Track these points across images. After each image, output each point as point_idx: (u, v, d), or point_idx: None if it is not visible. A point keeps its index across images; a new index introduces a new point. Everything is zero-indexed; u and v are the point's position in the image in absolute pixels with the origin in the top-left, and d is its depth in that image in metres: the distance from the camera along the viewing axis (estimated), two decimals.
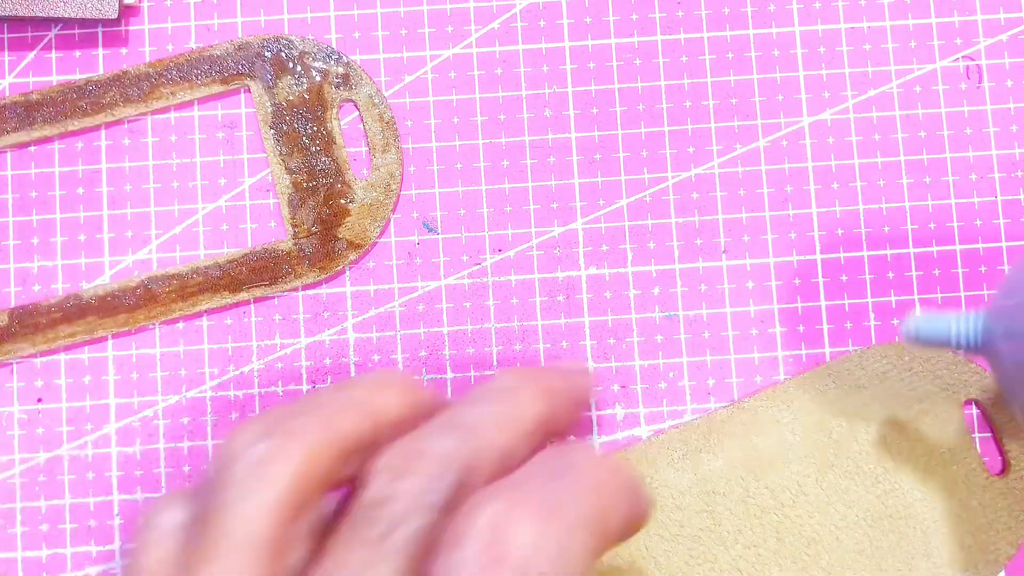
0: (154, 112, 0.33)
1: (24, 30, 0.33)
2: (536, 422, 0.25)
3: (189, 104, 0.33)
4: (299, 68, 0.33)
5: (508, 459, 0.24)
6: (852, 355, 0.31)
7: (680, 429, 0.31)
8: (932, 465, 0.31)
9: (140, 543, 0.23)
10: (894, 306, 0.32)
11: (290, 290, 0.32)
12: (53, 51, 0.33)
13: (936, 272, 0.32)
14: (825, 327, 0.32)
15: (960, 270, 0.32)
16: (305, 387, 0.32)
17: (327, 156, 0.32)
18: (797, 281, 0.32)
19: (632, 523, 0.24)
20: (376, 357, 0.32)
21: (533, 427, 0.25)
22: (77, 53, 0.33)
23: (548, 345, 0.32)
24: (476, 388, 0.25)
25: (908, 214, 0.32)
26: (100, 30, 0.33)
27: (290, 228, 0.32)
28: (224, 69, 0.33)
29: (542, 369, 0.27)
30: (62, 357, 0.32)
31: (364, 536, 0.22)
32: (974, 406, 0.31)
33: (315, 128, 0.32)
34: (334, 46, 0.33)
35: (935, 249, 0.32)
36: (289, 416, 0.23)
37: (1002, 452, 0.31)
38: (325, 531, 0.23)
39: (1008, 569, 0.31)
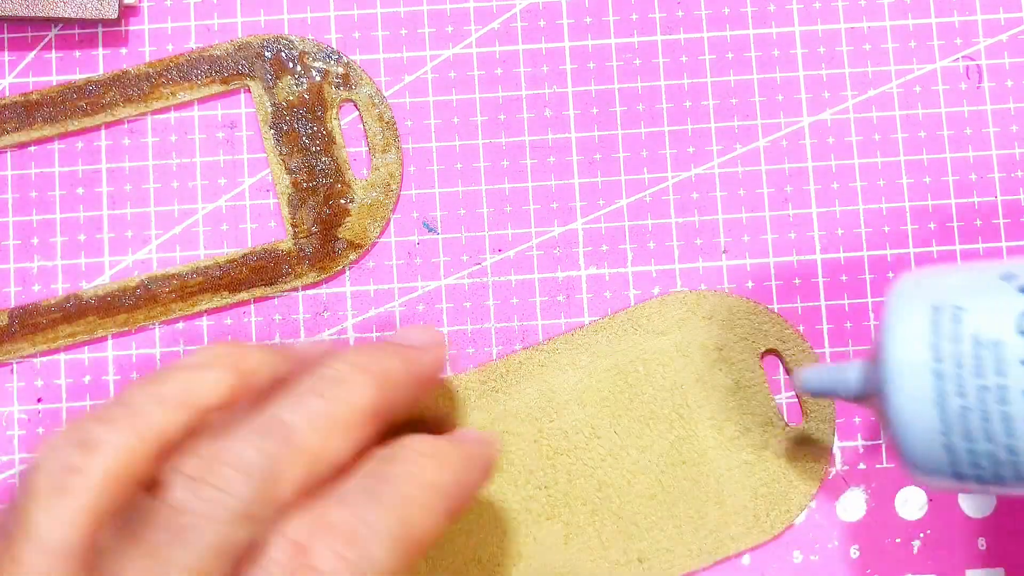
0: (154, 112, 0.33)
1: (24, 30, 0.33)
2: (364, 414, 0.24)
3: (189, 104, 0.33)
4: (299, 68, 0.33)
5: (322, 462, 0.23)
6: (652, 302, 0.32)
7: (479, 369, 0.31)
8: (727, 413, 0.31)
9: None
10: None
11: (290, 290, 0.32)
12: (53, 51, 0.33)
13: None
14: (825, 327, 0.32)
15: None
16: None
17: (327, 156, 0.32)
18: (797, 281, 0.32)
19: (464, 501, 0.24)
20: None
21: (360, 420, 0.24)
22: (77, 53, 0.33)
23: None
24: (307, 375, 0.24)
25: (908, 214, 0.32)
26: (100, 30, 0.33)
27: (290, 228, 0.32)
28: (224, 69, 0.33)
29: (381, 349, 0.25)
30: (62, 357, 0.32)
31: (153, 544, 0.21)
32: (778, 359, 0.32)
33: (315, 128, 0.32)
34: (334, 46, 0.33)
35: (935, 249, 0.32)
36: (95, 421, 0.23)
37: (800, 401, 0.31)
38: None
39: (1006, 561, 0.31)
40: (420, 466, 0.23)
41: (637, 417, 0.31)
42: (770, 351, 0.31)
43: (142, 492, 0.23)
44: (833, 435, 0.31)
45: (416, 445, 0.24)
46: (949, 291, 0.24)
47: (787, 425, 0.31)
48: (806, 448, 0.31)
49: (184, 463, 0.22)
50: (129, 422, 0.22)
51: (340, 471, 0.23)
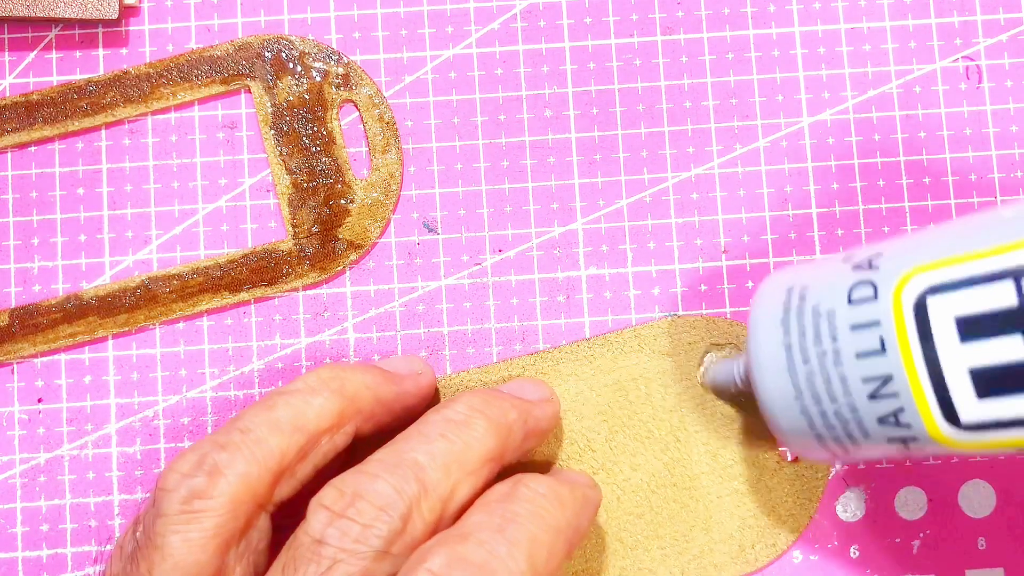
0: (154, 112, 0.33)
1: (24, 30, 0.33)
2: (484, 460, 0.25)
3: (189, 104, 0.33)
4: (299, 68, 0.33)
5: (452, 503, 0.24)
6: (661, 322, 0.32)
7: (479, 369, 0.31)
8: (724, 441, 0.31)
9: (106, 562, 0.25)
10: None
11: (290, 290, 0.32)
12: (53, 51, 0.33)
13: None
14: None
15: None
16: None
17: (327, 156, 0.32)
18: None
19: (579, 542, 0.25)
20: (376, 357, 0.32)
21: (481, 465, 0.25)
22: (77, 53, 0.33)
23: (548, 345, 0.32)
24: (430, 414, 0.26)
25: (908, 214, 0.32)
26: (100, 30, 0.33)
27: (290, 228, 0.32)
28: (224, 69, 0.33)
29: (501, 399, 0.27)
30: (62, 357, 0.32)
31: (299, 574, 0.23)
32: None
33: (315, 128, 0.33)
34: (334, 46, 0.33)
35: None
36: (218, 447, 0.24)
37: None
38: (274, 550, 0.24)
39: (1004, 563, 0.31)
40: (542, 507, 0.24)
41: (633, 435, 0.31)
42: None
43: (267, 518, 0.25)
44: (825, 482, 0.31)
45: (535, 485, 0.25)
46: (800, 275, 0.26)
47: (782, 461, 0.31)
48: (798, 487, 0.31)
49: (326, 496, 0.24)
50: (249, 449, 0.24)
51: (463, 510, 0.25)
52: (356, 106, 0.33)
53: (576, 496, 0.25)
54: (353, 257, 0.32)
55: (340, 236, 0.32)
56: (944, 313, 0.23)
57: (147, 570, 0.24)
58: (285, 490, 0.25)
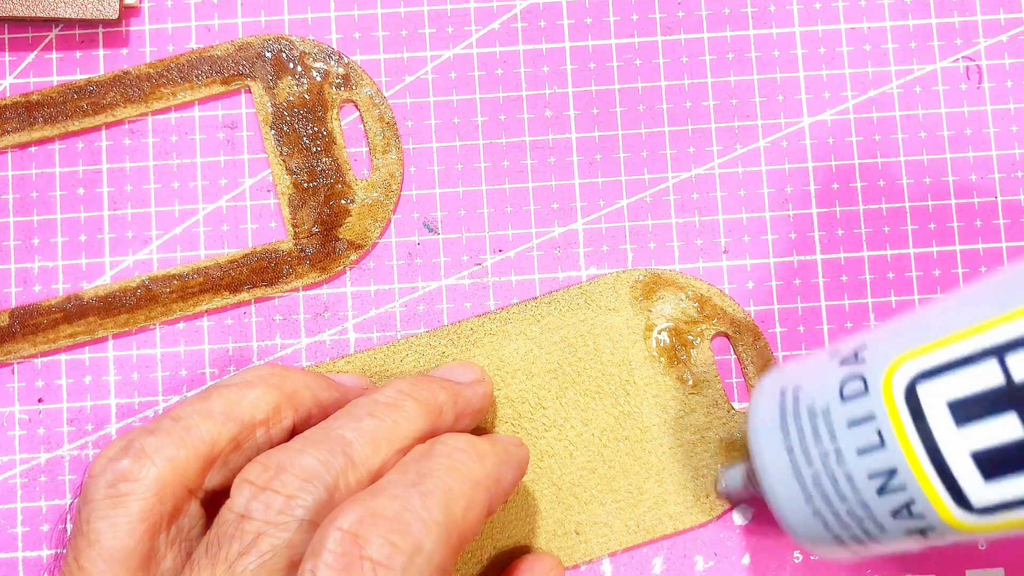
0: (155, 112, 0.33)
1: (25, 30, 0.33)
2: (414, 438, 0.25)
3: (190, 104, 0.33)
4: (300, 68, 0.33)
5: (377, 475, 0.24)
6: (606, 278, 0.32)
7: (429, 332, 0.32)
8: (673, 393, 0.31)
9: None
10: (894, 306, 0.32)
11: (291, 290, 0.32)
12: (54, 51, 0.33)
13: (936, 272, 0.32)
14: (825, 327, 0.32)
15: (960, 270, 0.32)
16: None
17: (328, 156, 0.32)
18: (797, 281, 0.32)
19: (501, 497, 0.25)
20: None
21: (410, 443, 0.25)
22: (78, 53, 0.33)
23: None
24: (363, 400, 0.26)
25: (908, 214, 0.32)
26: (101, 30, 0.33)
27: (290, 228, 0.32)
28: (225, 69, 0.33)
29: (430, 380, 0.27)
30: (63, 357, 0.32)
31: (222, 552, 0.22)
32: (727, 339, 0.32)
33: (316, 128, 0.33)
34: (335, 46, 0.33)
35: (935, 249, 0.32)
36: (146, 433, 0.24)
37: (748, 384, 0.31)
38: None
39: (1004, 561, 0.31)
40: (459, 460, 0.24)
41: (583, 391, 0.31)
42: (720, 333, 0.31)
43: (198, 504, 0.25)
44: None
45: (452, 441, 0.25)
46: (792, 375, 0.26)
47: (732, 408, 0.31)
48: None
49: (249, 471, 0.23)
50: (179, 434, 0.24)
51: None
52: (356, 106, 0.33)
53: (497, 450, 0.25)
54: (353, 257, 0.32)
55: (340, 236, 0.32)
56: (936, 399, 0.22)
57: (74, 558, 0.23)
58: (217, 478, 0.25)
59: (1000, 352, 0.22)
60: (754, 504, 0.31)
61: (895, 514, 0.24)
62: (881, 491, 0.23)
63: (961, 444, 0.22)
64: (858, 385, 0.24)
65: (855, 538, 0.25)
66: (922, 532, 0.24)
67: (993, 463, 0.22)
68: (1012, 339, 0.22)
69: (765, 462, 0.26)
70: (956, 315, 0.23)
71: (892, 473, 0.23)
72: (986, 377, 0.22)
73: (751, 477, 0.28)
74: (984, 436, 0.22)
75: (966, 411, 0.22)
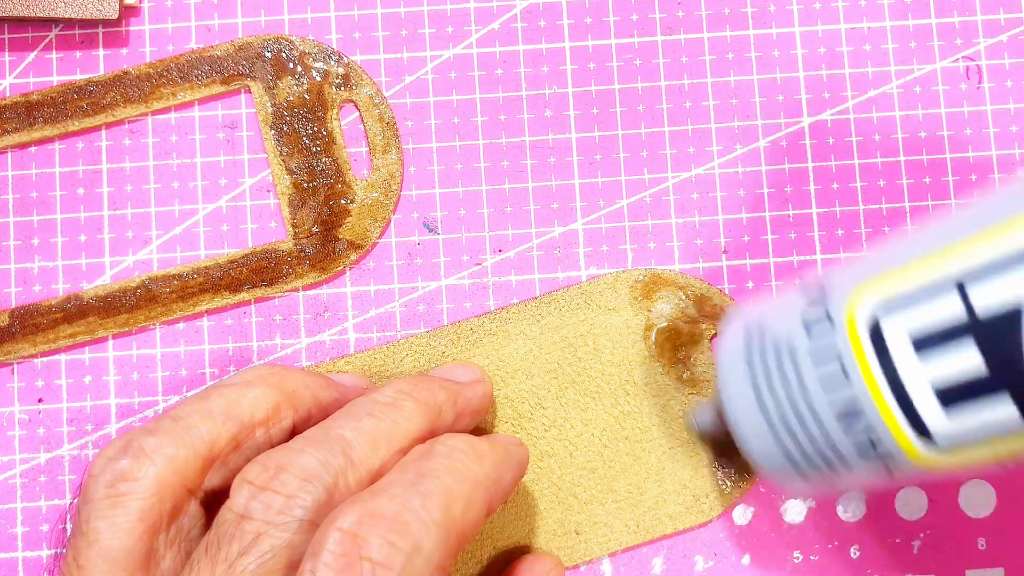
0: (155, 112, 0.33)
1: (25, 30, 0.33)
2: (413, 438, 0.25)
3: (190, 104, 0.33)
4: (300, 68, 0.33)
5: (377, 475, 0.24)
6: (606, 278, 0.32)
7: (429, 332, 0.32)
8: (673, 392, 0.31)
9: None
10: None
11: (291, 290, 0.32)
12: (54, 51, 0.33)
13: None
14: None
15: None
16: None
17: (327, 156, 0.32)
18: (797, 281, 0.32)
19: (501, 497, 0.25)
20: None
21: (409, 443, 0.25)
22: (78, 53, 0.33)
23: None
24: (363, 400, 0.26)
25: (908, 214, 0.32)
26: (101, 30, 0.33)
27: (290, 228, 0.32)
28: (225, 69, 0.33)
29: (429, 380, 0.27)
30: (63, 357, 0.32)
31: (222, 552, 0.22)
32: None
33: (315, 128, 0.33)
34: (335, 46, 0.33)
35: None
36: (146, 433, 0.24)
37: None
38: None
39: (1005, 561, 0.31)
40: (458, 460, 0.24)
41: (583, 390, 0.31)
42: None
43: (198, 504, 0.25)
44: None
45: (452, 441, 0.25)
46: (759, 311, 0.27)
47: None
48: None
49: (249, 471, 0.23)
50: (178, 434, 0.24)
51: None
52: (356, 106, 0.33)
53: (496, 450, 0.25)
54: (353, 257, 0.32)
55: (340, 236, 0.32)
56: (899, 332, 0.23)
57: (73, 558, 0.23)
58: (216, 478, 0.25)
59: (960, 282, 0.22)
60: (754, 504, 0.31)
61: (857, 446, 0.24)
62: (844, 423, 0.24)
63: (922, 375, 0.22)
64: (823, 320, 0.24)
65: (819, 470, 0.25)
66: (885, 465, 0.24)
67: (952, 392, 0.22)
68: (971, 267, 0.22)
69: (731, 397, 0.26)
70: (916, 243, 0.23)
71: (855, 405, 0.23)
72: (947, 309, 0.22)
73: (720, 413, 0.28)
74: (945, 367, 0.22)
75: (928, 342, 0.22)
